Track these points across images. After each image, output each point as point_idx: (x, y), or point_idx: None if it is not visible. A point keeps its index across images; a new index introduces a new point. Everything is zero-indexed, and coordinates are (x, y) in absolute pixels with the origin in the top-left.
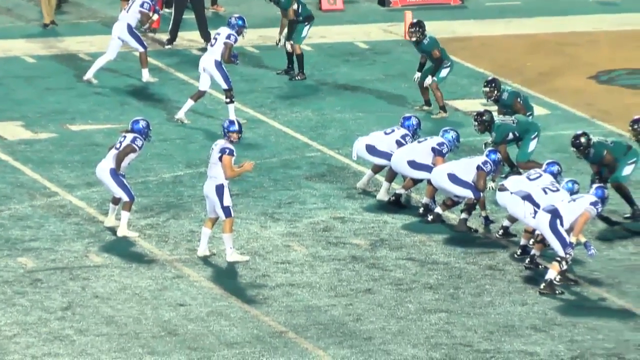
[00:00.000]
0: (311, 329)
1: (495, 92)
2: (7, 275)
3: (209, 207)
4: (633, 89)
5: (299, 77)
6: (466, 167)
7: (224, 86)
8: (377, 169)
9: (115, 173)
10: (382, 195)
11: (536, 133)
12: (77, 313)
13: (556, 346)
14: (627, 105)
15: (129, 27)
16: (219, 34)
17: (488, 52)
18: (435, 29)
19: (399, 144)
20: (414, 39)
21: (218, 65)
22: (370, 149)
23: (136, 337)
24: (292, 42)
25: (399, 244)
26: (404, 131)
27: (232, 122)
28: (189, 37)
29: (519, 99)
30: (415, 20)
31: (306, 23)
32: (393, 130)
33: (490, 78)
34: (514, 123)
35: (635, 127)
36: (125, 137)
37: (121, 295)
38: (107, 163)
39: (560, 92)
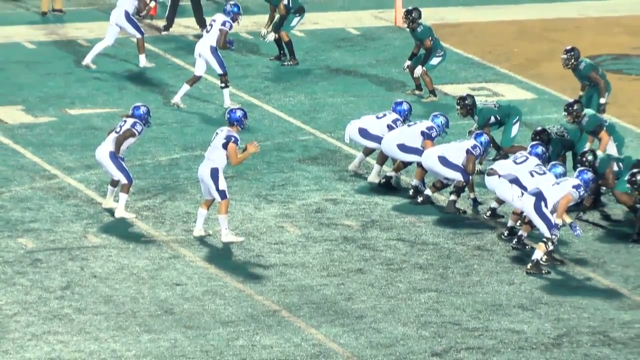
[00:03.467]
0: (304, 308)
1: (573, 60)
2: (8, 255)
3: (204, 190)
4: (618, 74)
5: (290, 63)
6: (456, 151)
7: (219, 71)
8: (368, 151)
9: (114, 156)
10: (373, 178)
11: (517, 117)
12: (76, 292)
13: (542, 324)
14: (612, 90)
15: (126, 13)
16: (214, 20)
17: (476, 38)
18: (424, 15)
19: (390, 128)
20: (407, 26)
21: (213, 50)
22: (363, 132)
23: (133, 316)
24: (280, 31)
25: (389, 225)
26: (395, 116)
27: (238, 114)
28: (185, 24)
29: (596, 72)
30: (410, 8)
31: (297, 14)
32: (385, 115)
33: (570, 47)
34: (495, 107)
35: (570, 109)
36: (125, 121)
37: (119, 275)
38: (106, 146)
39: (546, 77)
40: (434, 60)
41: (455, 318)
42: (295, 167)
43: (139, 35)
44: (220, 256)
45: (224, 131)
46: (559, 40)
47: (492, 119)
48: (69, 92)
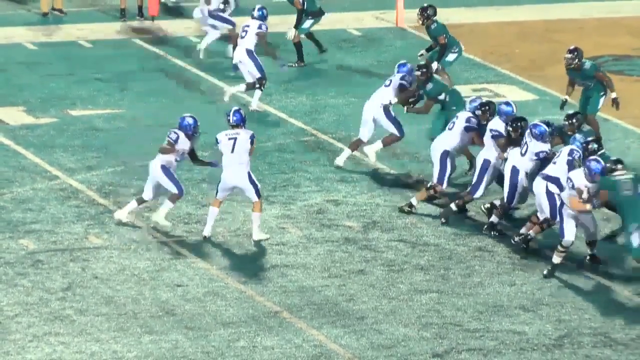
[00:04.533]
0: (305, 309)
1: (577, 60)
2: (9, 256)
3: (224, 192)
4: (620, 75)
5: (296, 65)
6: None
7: (257, 75)
8: (354, 146)
9: (165, 168)
10: (340, 161)
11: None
12: (77, 293)
13: (544, 326)
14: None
15: (209, 12)
16: (248, 26)
17: (478, 38)
18: None
19: (402, 86)
20: (421, 23)
21: (250, 54)
22: (386, 113)
23: (135, 317)
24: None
25: (390, 226)
26: (399, 76)
27: (243, 114)
28: (186, 25)
29: (600, 72)
30: (425, 5)
31: (311, 17)
32: (391, 81)
33: (573, 47)
34: (450, 87)
35: (571, 121)
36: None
37: (120, 276)
38: (157, 160)
39: (548, 78)
40: (450, 57)
41: (456, 319)
42: (296, 168)
43: (230, 27)
44: (222, 257)
45: (241, 134)
46: (561, 41)
47: (442, 96)
48: (70, 93)
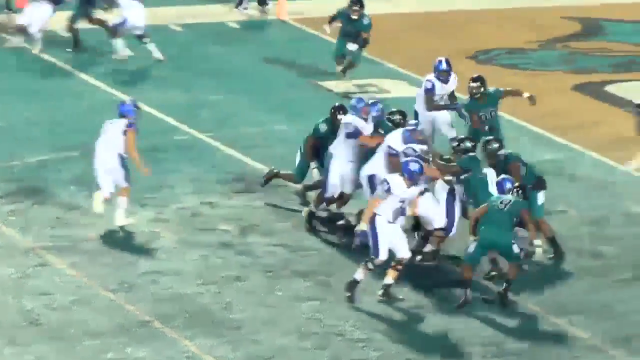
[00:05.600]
0: (178, 318)
1: (482, 89)
2: None
3: (107, 183)
4: (512, 69)
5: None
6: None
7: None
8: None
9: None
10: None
11: None
12: None
13: (432, 336)
14: (507, 85)
15: None
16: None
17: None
18: (312, 9)
19: (427, 90)
20: (354, 16)
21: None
22: None
23: None
24: None
25: (269, 229)
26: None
27: (128, 106)
28: (59, 19)
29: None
30: None
31: None
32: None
33: (477, 75)
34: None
35: (488, 147)
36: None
37: None
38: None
39: None
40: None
41: (338, 328)
42: (170, 169)
43: None
44: (90, 264)
45: (121, 121)
46: (450, 35)
47: None
48: None
